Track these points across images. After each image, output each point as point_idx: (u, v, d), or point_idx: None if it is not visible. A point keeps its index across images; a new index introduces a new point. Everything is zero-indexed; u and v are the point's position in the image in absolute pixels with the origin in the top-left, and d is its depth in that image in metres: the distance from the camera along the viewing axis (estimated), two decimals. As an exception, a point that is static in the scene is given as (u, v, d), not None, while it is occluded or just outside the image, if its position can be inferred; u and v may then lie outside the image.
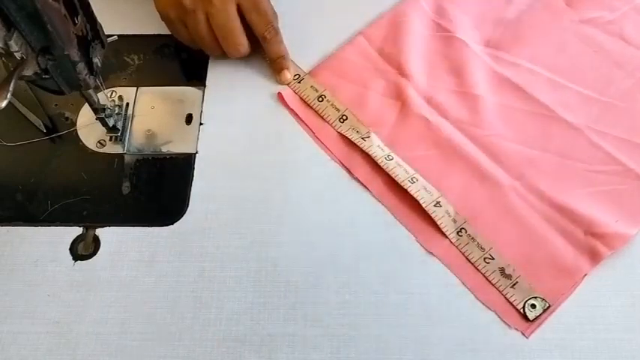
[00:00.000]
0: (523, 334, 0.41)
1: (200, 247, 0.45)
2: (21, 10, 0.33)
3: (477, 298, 0.42)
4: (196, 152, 0.49)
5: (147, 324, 0.42)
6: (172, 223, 0.45)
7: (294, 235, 0.45)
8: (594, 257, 0.43)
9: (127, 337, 0.41)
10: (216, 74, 0.53)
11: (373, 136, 0.48)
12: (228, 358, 0.40)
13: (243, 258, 0.44)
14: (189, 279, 0.43)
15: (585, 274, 0.43)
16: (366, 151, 0.47)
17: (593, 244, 0.43)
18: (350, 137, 0.48)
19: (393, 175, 0.46)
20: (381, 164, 0.47)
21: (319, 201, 0.46)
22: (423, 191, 0.45)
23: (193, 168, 0.48)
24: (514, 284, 0.42)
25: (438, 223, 0.44)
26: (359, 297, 0.43)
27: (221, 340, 0.41)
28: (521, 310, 0.41)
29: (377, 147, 0.48)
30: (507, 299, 0.42)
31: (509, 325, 0.41)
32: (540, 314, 0.41)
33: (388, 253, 0.44)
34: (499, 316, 0.41)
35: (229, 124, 0.50)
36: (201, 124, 0.50)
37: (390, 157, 0.47)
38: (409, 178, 0.46)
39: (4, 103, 0.35)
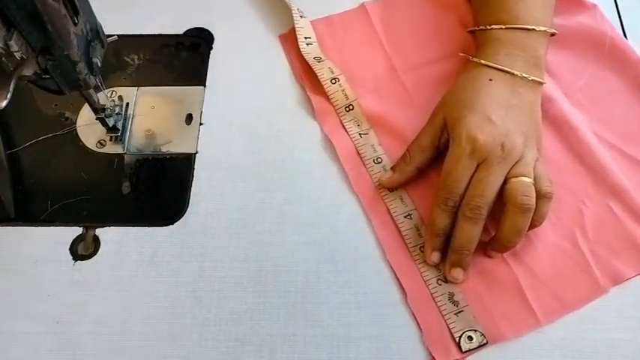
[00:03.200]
0: None
1: (200, 247, 0.45)
2: (21, 10, 0.33)
3: (414, 315, 0.41)
4: (196, 152, 0.49)
5: (147, 324, 0.42)
6: (172, 223, 0.45)
7: (294, 235, 0.45)
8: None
9: (127, 337, 0.41)
10: (216, 74, 0.53)
11: (371, 133, 0.48)
12: (228, 358, 0.40)
13: (243, 258, 0.44)
14: (189, 279, 0.43)
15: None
16: (358, 148, 0.48)
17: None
18: (349, 130, 0.49)
19: (373, 178, 0.47)
20: (367, 165, 0.47)
21: (319, 201, 0.46)
22: (398, 200, 0.46)
23: (193, 168, 0.48)
24: (459, 312, 0.41)
25: (403, 233, 0.44)
26: (359, 297, 0.43)
27: (221, 340, 0.41)
28: (457, 340, 0.40)
29: (370, 146, 0.48)
30: (447, 325, 0.41)
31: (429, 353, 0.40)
32: (475, 348, 0.40)
33: (388, 253, 0.44)
34: (426, 341, 0.41)
35: (229, 124, 0.50)
36: (201, 124, 0.50)
37: (379, 160, 0.47)
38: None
39: (4, 103, 0.35)
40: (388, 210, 0.45)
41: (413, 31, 0.54)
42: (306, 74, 0.52)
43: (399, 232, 0.45)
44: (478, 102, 0.44)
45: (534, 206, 0.41)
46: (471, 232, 0.41)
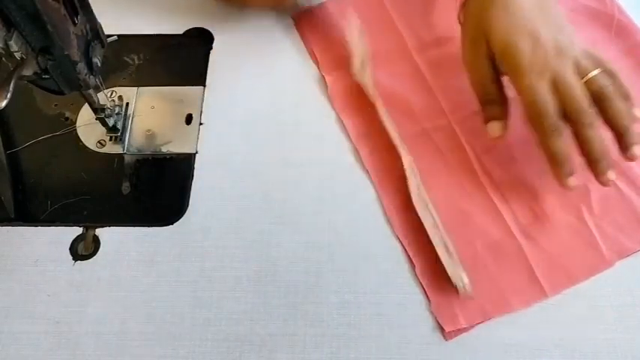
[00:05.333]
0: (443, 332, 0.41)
1: (200, 247, 0.45)
2: (21, 10, 0.33)
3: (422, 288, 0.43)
4: (196, 152, 0.49)
5: (147, 324, 0.42)
6: (172, 223, 0.45)
7: (294, 235, 0.45)
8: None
9: (127, 337, 0.41)
10: (216, 74, 0.53)
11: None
12: (228, 358, 0.40)
13: (243, 258, 0.44)
14: (189, 279, 0.43)
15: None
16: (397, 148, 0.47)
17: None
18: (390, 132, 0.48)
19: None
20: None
21: (319, 201, 0.46)
22: (412, 177, 0.46)
23: (193, 168, 0.48)
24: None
25: (418, 212, 0.45)
26: (359, 297, 0.43)
27: (221, 340, 0.41)
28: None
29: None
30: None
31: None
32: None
33: (388, 253, 0.44)
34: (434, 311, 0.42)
35: (229, 124, 0.50)
36: (201, 124, 0.50)
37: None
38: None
39: (3, 103, 0.35)
40: (400, 189, 0.46)
41: (425, 9, 0.55)
42: (323, 52, 0.53)
43: (414, 210, 0.45)
44: (520, 22, 0.43)
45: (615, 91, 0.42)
46: (599, 136, 0.41)
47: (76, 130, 0.50)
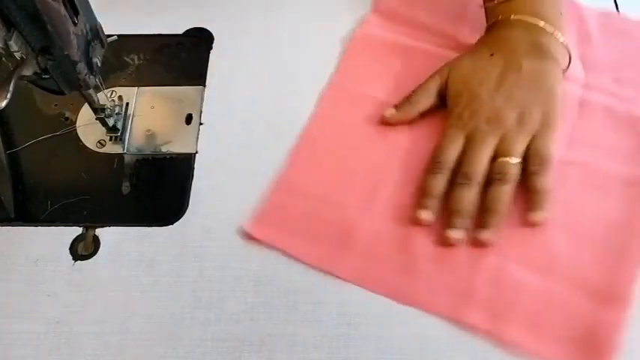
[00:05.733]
0: None
1: (200, 247, 0.45)
2: (21, 10, 0.33)
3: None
4: (196, 152, 0.49)
5: (147, 324, 0.42)
6: (172, 223, 0.45)
7: (294, 235, 0.45)
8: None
9: (127, 337, 0.41)
10: (216, 74, 0.53)
11: None
12: (228, 358, 0.40)
13: (243, 258, 0.44)
14: (189, 279, 0.43)
15: None
16: None
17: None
18: None
19: None
20: None
21: (319, 201, 0.46)
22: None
23: (193, 168, 0.48)
24: None
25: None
26: (359, 297, 0.43)
27: (221, 340, 0.41)
28: None
29: None
30: None
31: None
32: None
33: (388, 253, 0.44)
34: None
35: (229, 124, 0.50)
36: (201, 124, 0.50)
37: None
38: None
39: (3, 103, 0.35)
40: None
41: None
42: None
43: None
44: (474, 78, 0.47)
45: (509, 182, 0.43)
46: (464, 196, 0.43)
47: (76, 130, 0.50)
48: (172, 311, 0.42)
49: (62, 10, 0.35)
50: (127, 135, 0.50)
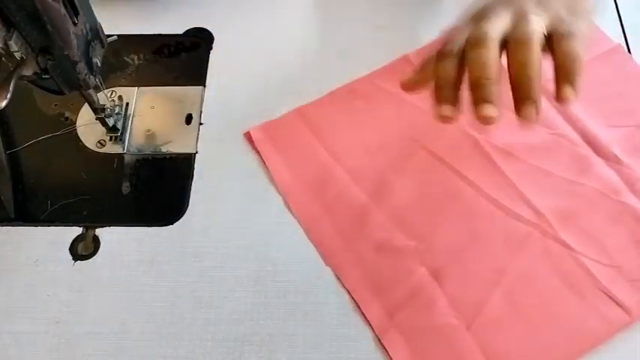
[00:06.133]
0: None
1: (200, 247, 0.45)
2: (21, 10, 0.33)
3: None
4: (196, 152, 0.49)
5: (147, 324, 0.42)
6: (172, 223, 0.45)
7: (294, 235, 0.45)
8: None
9: (127, 337, 0.41)
10: (216, 74, 0.53)
11: None
12: (228, 358, 0.40)
13: (243, 258, 0.44)
14: (189, 279, 0.43)
15: None
16: None
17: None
18: None
19: None
20: None
21: (319, 201, 0.46)
22: None
23: (193, 168, 0.48)
24: None
25: None
26: (359, 297, 0.43)
27: (221, 340, 0.41)
28: None
29: None
30: None
31: None
32: None
33: (388, 253, 0.44)
34: None
35: (229, 124, 0.50)
36: (201, 124, 0.50)
37: None
38: None
39: (3, 103, 0.35)
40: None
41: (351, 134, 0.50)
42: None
43: None
44: None
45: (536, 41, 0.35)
46: (481, 56, 0.34)
47: (76, 130, 0.50)
48: (172, 311, 0.42)
49: (62, 10, 0.35)
50: (127, 135, 0.50)
